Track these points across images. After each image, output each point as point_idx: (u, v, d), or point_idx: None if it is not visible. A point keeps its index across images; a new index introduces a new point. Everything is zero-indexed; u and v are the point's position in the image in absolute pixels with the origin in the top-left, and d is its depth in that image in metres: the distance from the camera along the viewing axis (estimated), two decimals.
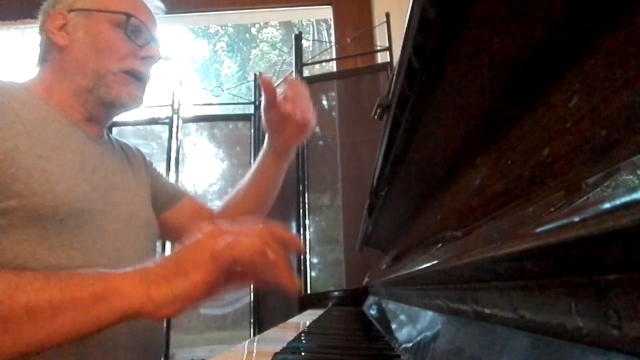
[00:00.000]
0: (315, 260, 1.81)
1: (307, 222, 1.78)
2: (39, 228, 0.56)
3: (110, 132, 0.94)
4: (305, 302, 1.43)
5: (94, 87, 0.70)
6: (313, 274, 1.78)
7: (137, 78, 0.73)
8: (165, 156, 2.06)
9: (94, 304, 0.42)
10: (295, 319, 1.08)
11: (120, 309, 0.43)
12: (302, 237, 1.74)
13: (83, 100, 0.71)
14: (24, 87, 0.68)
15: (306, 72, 1.92)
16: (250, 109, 2.19)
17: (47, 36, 0.71)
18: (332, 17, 2.17)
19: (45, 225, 0.56)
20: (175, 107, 2.14)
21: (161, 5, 0.84)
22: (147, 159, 0.90)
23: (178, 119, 2.13)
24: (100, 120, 0.75)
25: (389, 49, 1.74)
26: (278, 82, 2.09)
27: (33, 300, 0.41)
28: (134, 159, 0.84)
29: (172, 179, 2.02)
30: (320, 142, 1.86)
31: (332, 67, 2.11)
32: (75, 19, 0.71)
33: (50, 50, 0.72)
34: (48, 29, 0.71)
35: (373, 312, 0.93)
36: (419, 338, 0.40)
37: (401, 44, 0.32)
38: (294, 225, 1.76)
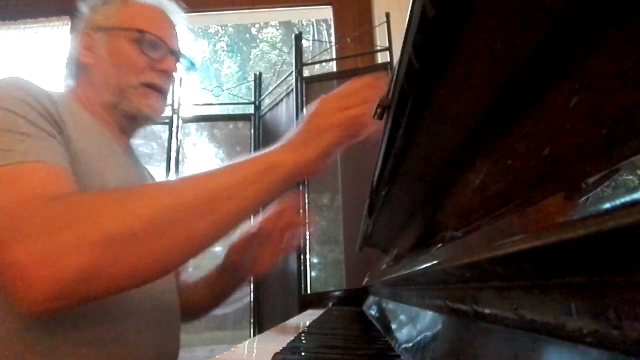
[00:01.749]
0: (315, 260, 1.81)
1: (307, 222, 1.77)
2: None
3: None
4: (305, 302, 1.43)
5: (118, 102, 0.74)
6: (313, 274, 1.78)
7: (156, 90, 0.77)
8: (165, 156, 2.06)
9: (268, 174, 0.54)
10: (295, 319, 1.08)
11: (288, 173, 0.55)
12: (302, 237, 1.74)
13: (111, 114, 0.76)
14: (69, 97, 0.74)
15: (306, 72, 1.92)
16: (250, 109, 2.19)
17: (76, 55, 0.77)
18: (332, 17, 2.17)
19: None
20: (175, 107, 2.14)
21: (184, 15, 0.86)
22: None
23: (178, 119, 2.13)
24: (128, 133, 0.80)
25: (389, 49, 1.74)
26: (278, 82, 2.09)
27: (227, 181, 0.52)
28: (149, 178, 0.89)
29: (172, 179, 2.02)
30: None
31: (332, 67, 2.11)
32: (99, 38, 0.76)
33: (80, 68, 0.77)
34: (77, 48, 0.77)
35: (373, 312, 0.93)
36: (418, 338, 0.40)
37: (401, 44, 0.32)
38: None
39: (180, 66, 0.83)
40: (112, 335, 0.59)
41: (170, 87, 0.81)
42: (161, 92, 0.77)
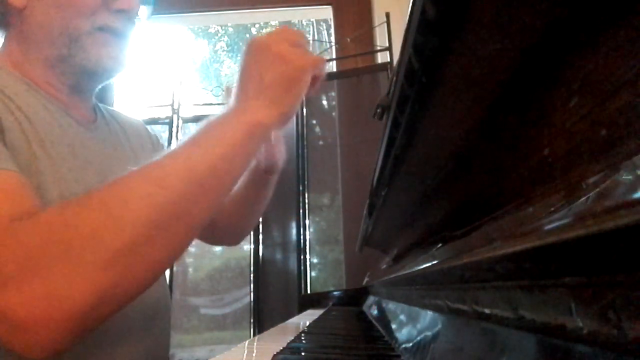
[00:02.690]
0: (315, 260, 1.81)
1: (307, 222, 1.77)
2: None
3: None
4: (305, 302, 1.43)
5: (68, 54, 0.58)
6: (313, 274, 1.78)
7: (115, 35, 0.61)
8: None
9: (253, 136, 0.49)
10: (295, 319, 1.08)
11: (262, 136, 0.50)
12: (302, 237, 1.74)
13: (59, 72, 0.59)
14: None
15: None
16: None
17: None
18: (332, 17, 2.17)
19: None
20: (175, 107, 2.14)
21: None
22: (153, 133, 0.82)
23: (178, 119, 2.13)
24: (84, 94, 0.64)
25: (389, 49, 1.74)
26: None
27: (217, 156, 0.46)
28: (134, 137, 0.76)
29: None
30: (320, 142, 1.86)
31: (332, 67, 2.11)
32: None
33: (8, 14, 0.59)
34: None
35: (373, 312, 0.93)
36: (419, 338, 0.40)
37: (401, 44, 0.32)
38: (294, 225, 1.76)
39: (142, 6, 0.65)
40: (96, 337, 0.54)
41: (132, 32, 0.63)
42: (122, 37, 0.61)
